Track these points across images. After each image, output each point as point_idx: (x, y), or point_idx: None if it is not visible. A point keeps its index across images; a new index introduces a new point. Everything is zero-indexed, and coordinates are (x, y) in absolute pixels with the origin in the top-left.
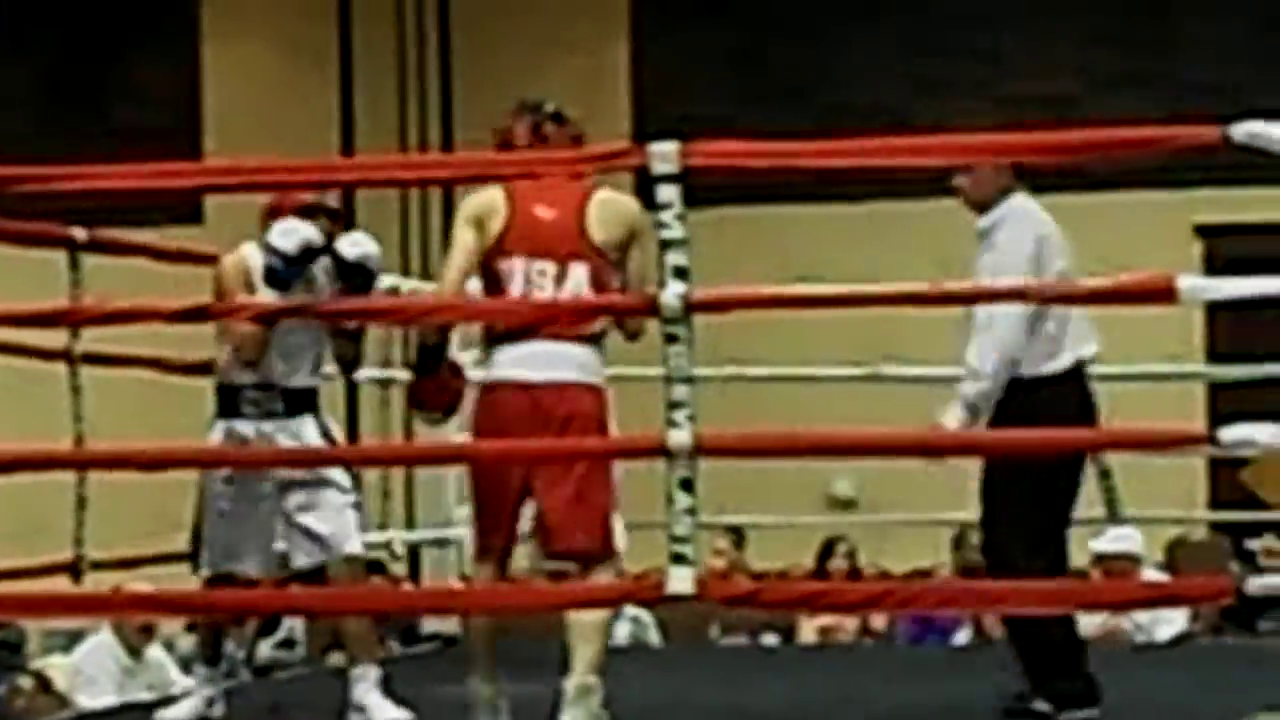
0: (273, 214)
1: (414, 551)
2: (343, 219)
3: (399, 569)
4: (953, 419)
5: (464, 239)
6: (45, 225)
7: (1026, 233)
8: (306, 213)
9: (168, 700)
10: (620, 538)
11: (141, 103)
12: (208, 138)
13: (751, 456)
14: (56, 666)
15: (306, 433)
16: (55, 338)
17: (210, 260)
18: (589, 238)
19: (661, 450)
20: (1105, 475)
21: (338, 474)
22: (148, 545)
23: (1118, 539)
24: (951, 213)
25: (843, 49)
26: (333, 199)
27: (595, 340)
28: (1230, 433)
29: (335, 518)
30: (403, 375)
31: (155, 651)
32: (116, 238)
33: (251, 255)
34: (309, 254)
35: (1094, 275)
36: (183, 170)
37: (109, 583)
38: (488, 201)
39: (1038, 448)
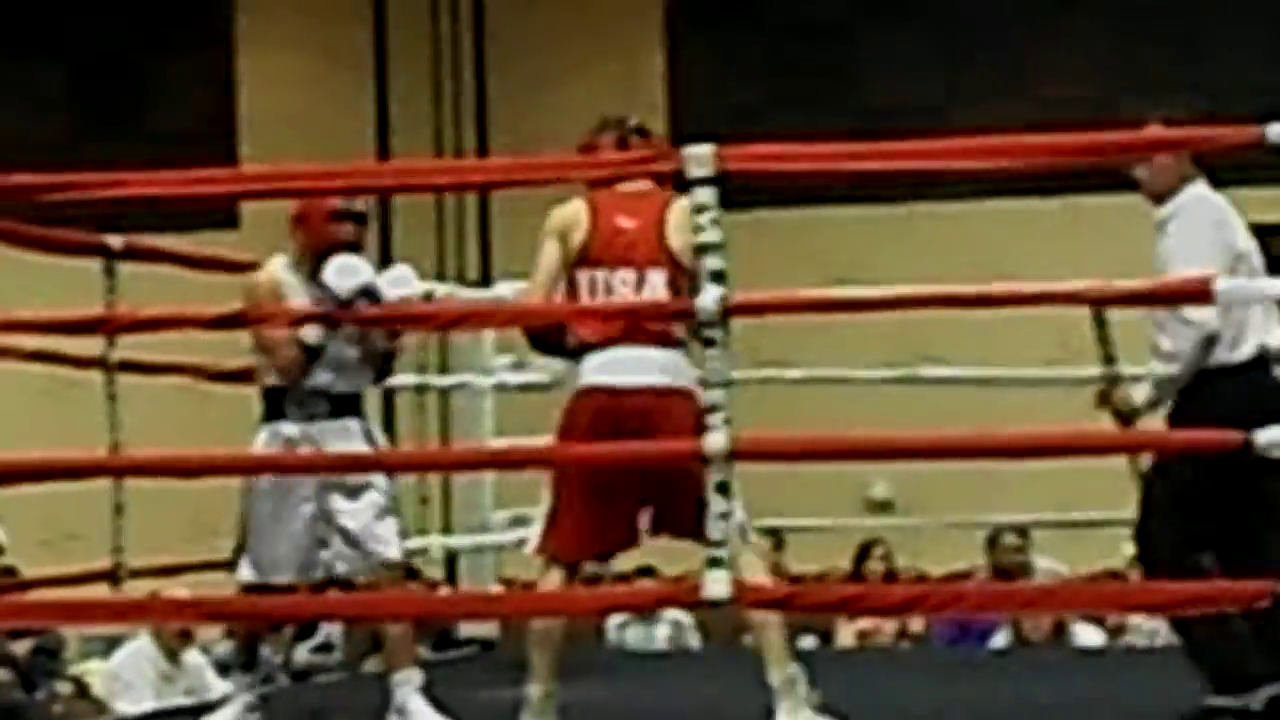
0: (300, 219)
1: (451, 557)
2: (366, 223)
3: (436, 573)
4: (1141, 397)
5: (548, 252)
6: (80, 234)
7: (1204, 219)
8: (335, 218)
9: (206, 708)
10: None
11: (177, 108)
12: (243, 143)
13: (788, 460)
14: (94, 672)
15: (350, 434)
16: (91, 345)
17: (245, 268)
18: (667, 246)
19: (698, 455)
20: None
21: (379, 479)
22: (185, 552)
23: None
24: (989, 214)
25: (877, 51)
26: (360, 204)
27: (681, 344)
28: (1266, 436)
29: (376, 522)
30: (438, 381)
31: (193, 656)
32: (152, 245)
33: (281, 270)
34: (362, 295)
35: (1135, 276)
36: (218, 177)
37: (147, 590)
38: (571, 215)
39: (1088, 448)
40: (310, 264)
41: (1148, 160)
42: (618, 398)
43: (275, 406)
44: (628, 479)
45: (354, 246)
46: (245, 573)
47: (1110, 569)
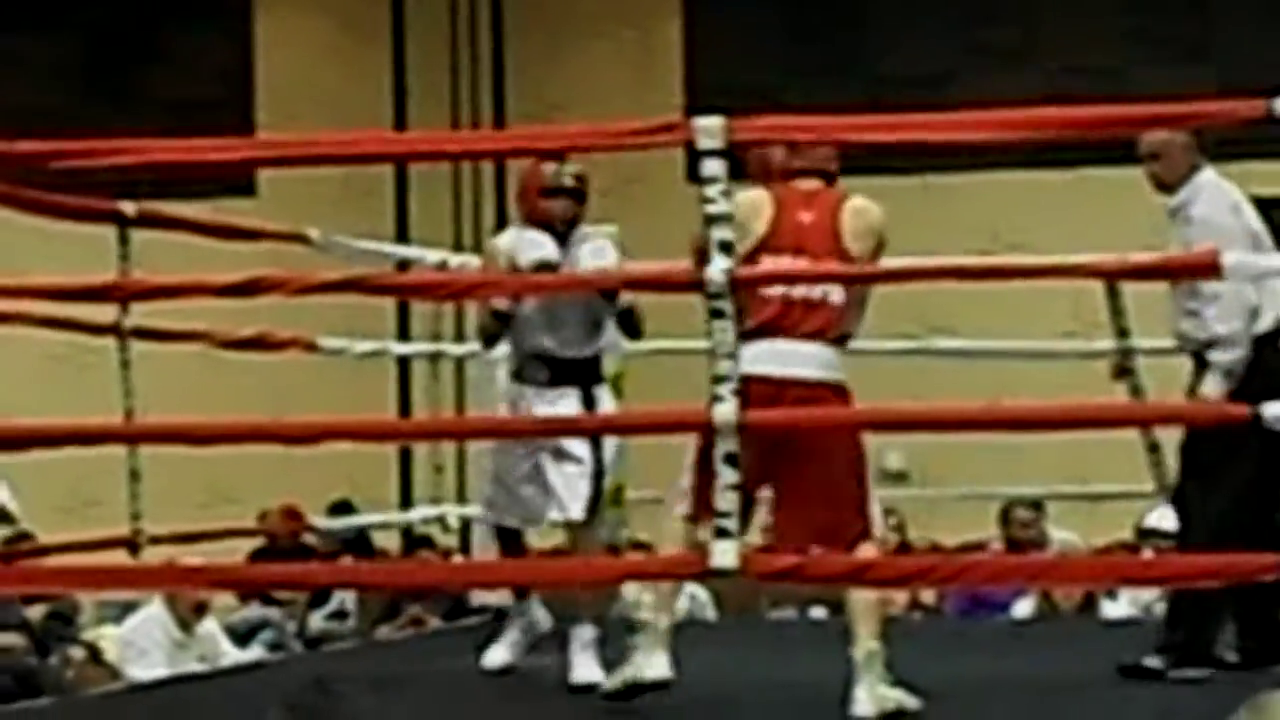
0: (519, 193)
1: (465, 525)
2: (581, 196)
3: (450, 542)
4: (1213, 389)
5: None
6: (94, 200)
7: (1221, 202)
8: (546, 193)
9: (218, 675)
10: (878, 523)
11: (194, 75)
12: (260, 110)
13: (800, 430)
14: (108, 638)
15: (564, 399)
16: (106, 312)
17: (261, 236)
18: (841, 240)
19: (706, 425)
20: (1154, 449)
21: (575, 444)
22: (200, 519)
23: (1167, 517)
24: (1002, 186)
25: (892, 22)
26: (569, 178)
27: (838, 341)
28: (1274, 409)
29: (574, 483)
30: (453, 349)
31: (207, 624)
32: (166, 212)
33: (507, 236)
34: (542, 268)
35: (1145, 249)
36: (235, 144)
37: (164, 557)
38: (753, 202)
39: (1082, 420)
40: (536, 226)
41: (1157, 157)
42: (779, 388)
43: (516, 370)
44: (750, 458)
45: (570, 220)
46: (484, 516)
47: (1123, 541)
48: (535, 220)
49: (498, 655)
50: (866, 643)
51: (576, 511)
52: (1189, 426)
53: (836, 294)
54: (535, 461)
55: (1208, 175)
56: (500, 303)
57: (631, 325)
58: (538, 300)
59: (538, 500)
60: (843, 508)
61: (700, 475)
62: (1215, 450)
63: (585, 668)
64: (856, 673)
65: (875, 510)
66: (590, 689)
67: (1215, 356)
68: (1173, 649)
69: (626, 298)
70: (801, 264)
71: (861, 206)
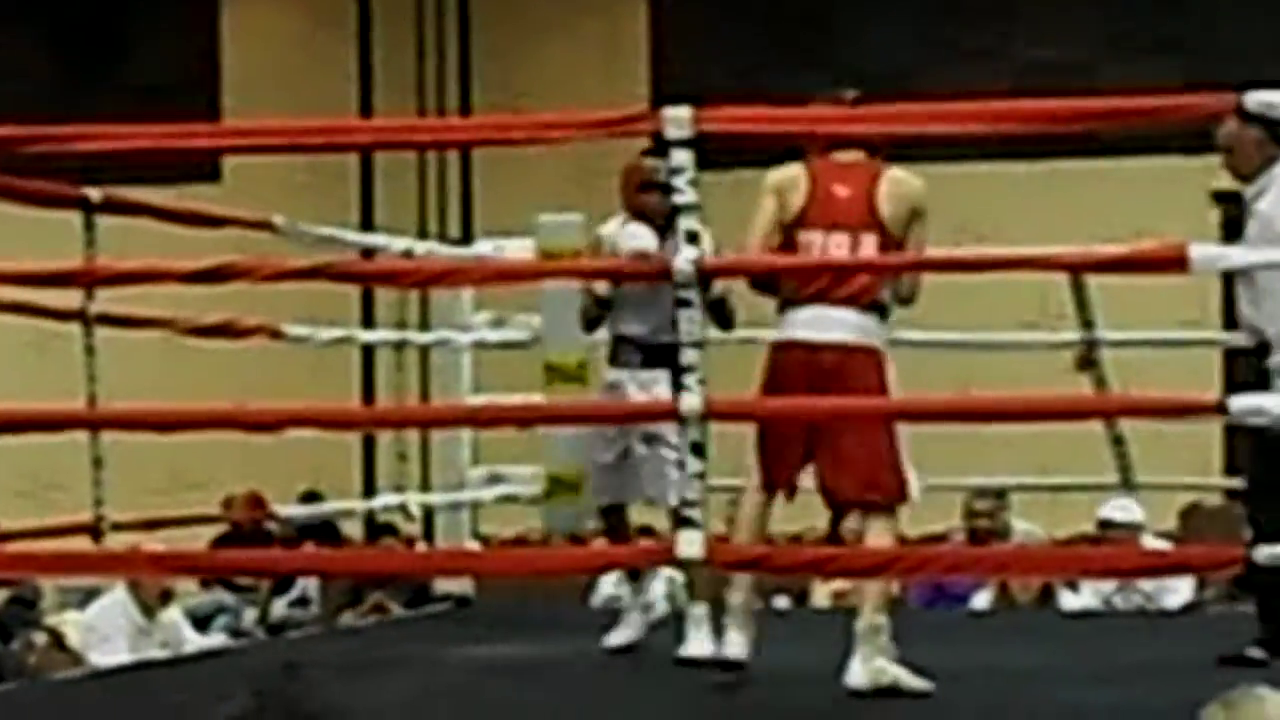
0: (624, 188)
1: (428, 513)
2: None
3: (414, 529)
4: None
5: (765, 208)
6: (59, 185)
7: None
8: (643, 187)
9: (181, 662)
10: (913, 486)
11: (160, 61)
12: (226, 96)
13: (764, 421)
14: (70, 623)
15: (655, 383)
16: (70, 298)
17: (226, 222)
18: (878, 212)
19: (673, 414)
20: (1118, 441)
21: (668, 429)
22: (163, 506)
23: (1120, 508)
24: (970, 178)
25: (860, 15)
26: (663, 174)
27: (875, 308)
28: (1240, 402)
29: (661, 468)
30: (418, 337)
31: (171, 611)
32: (132, 198)
33: (611, 226)
34: (639, 259)
35: (1113, 241)
36: (200, 131)
37: (127, 543)
38: (791, 177)
39: (1047, 412)
40: (635, 217)
41: (1230, 150)
42: (814, 352)
43: (612, 353)
44: (791, 430)
45: (667, 213)
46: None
47: (1084, 533)
48: (635, 212)
49: (619, 637)
50: (869, 616)
51: (669, 498)
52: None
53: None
54: (626, 445)
55: None
56: (600, 288)
57: (723, 315)
58: (634, 287)
59: (633, 482)
60: (878, 468)
61: (761, 451)
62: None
63: (695, 643)
64: (856, 644)
65: (910, 474)
66: (698, 663)
67: (1272, 362)
68: (1271, 641)
69: (719, 287)
70: (836, 238)
71: (900, 177)
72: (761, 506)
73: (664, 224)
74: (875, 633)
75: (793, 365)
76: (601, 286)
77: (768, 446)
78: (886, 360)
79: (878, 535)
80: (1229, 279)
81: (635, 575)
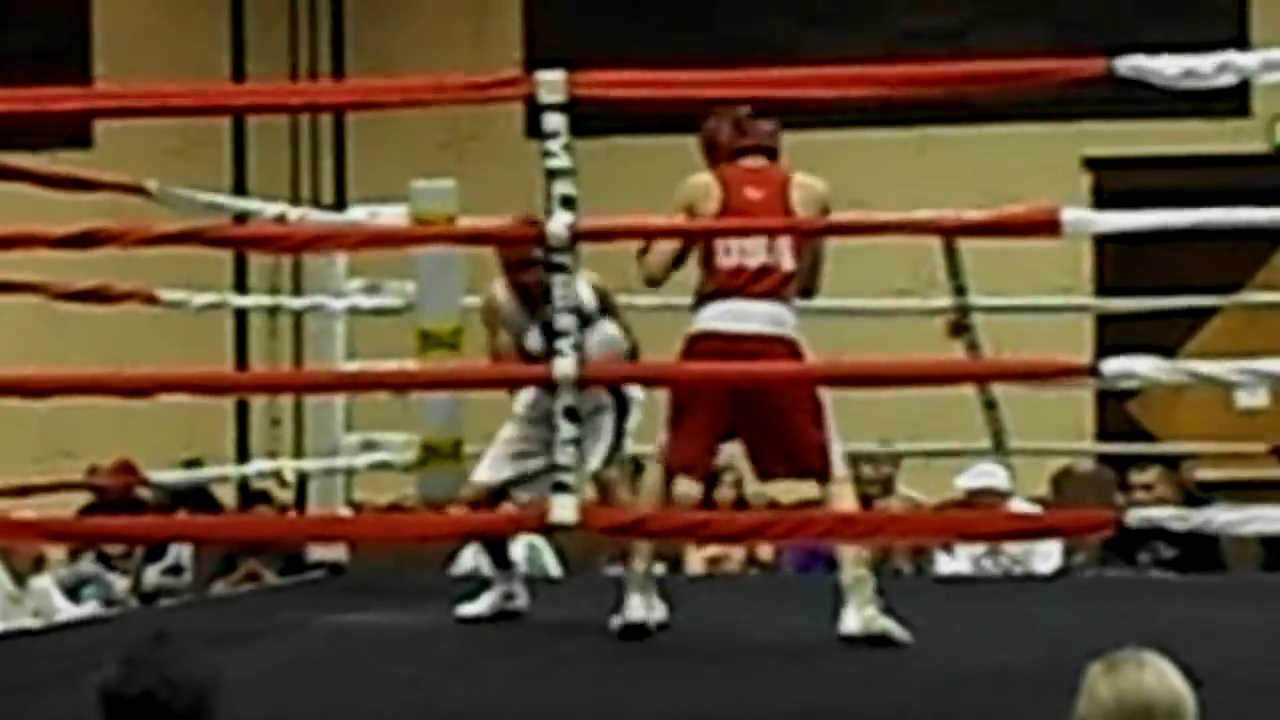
0: (502, 259)
1: (301, 479)
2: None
3: (287, 497)
4: None
5: (678, 221)
6: None
7: None
8: (518, 266)
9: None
10: (838, 460)
11: (30, 25)
12: (97, 61)
13: (639, 385)
14: None
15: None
16: None
17: (98, 187)
18: (793, 213)
19: (547, 381)
20: (991, 407)
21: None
22: (36, 473)
23: (980, 475)
24: (843, 145)
25: None
26: (539, 252)
27: (785, 299)
28: (1112, 365)
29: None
30: (291, 303)
31: (41, 579)
32: (2, 163)
33: (498, 291)
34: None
35: (986, 208)
36: (70, 94)
37: None
38: (701, 187)
39: (920, 376)
40: (516, 292)
41: None
42: (732, 342)
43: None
44: (713, 407)
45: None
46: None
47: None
48: (516, 288)
49: (472, 609)
50: (852, 569)
51: (594, 463)
52: None
53: (787, 261)
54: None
55: None
56: (533, 343)
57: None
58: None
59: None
60: (805, 451)
61: (674, 428)
62: None
63: (634, 609)
64: (845, 595)
65: (837, 452)
66: (639, 629)
67: None
68: None
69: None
70: (754, 241)
71: (807, 182)
72: (662, 483)
73: (543, 298)
74: (862, 583)
75: (709, 354)
76: (534, 342)
77: (680, 427)
78: (804, 350)
79: (838, 499)
80: (1101, 245)
81: (502, 564)
